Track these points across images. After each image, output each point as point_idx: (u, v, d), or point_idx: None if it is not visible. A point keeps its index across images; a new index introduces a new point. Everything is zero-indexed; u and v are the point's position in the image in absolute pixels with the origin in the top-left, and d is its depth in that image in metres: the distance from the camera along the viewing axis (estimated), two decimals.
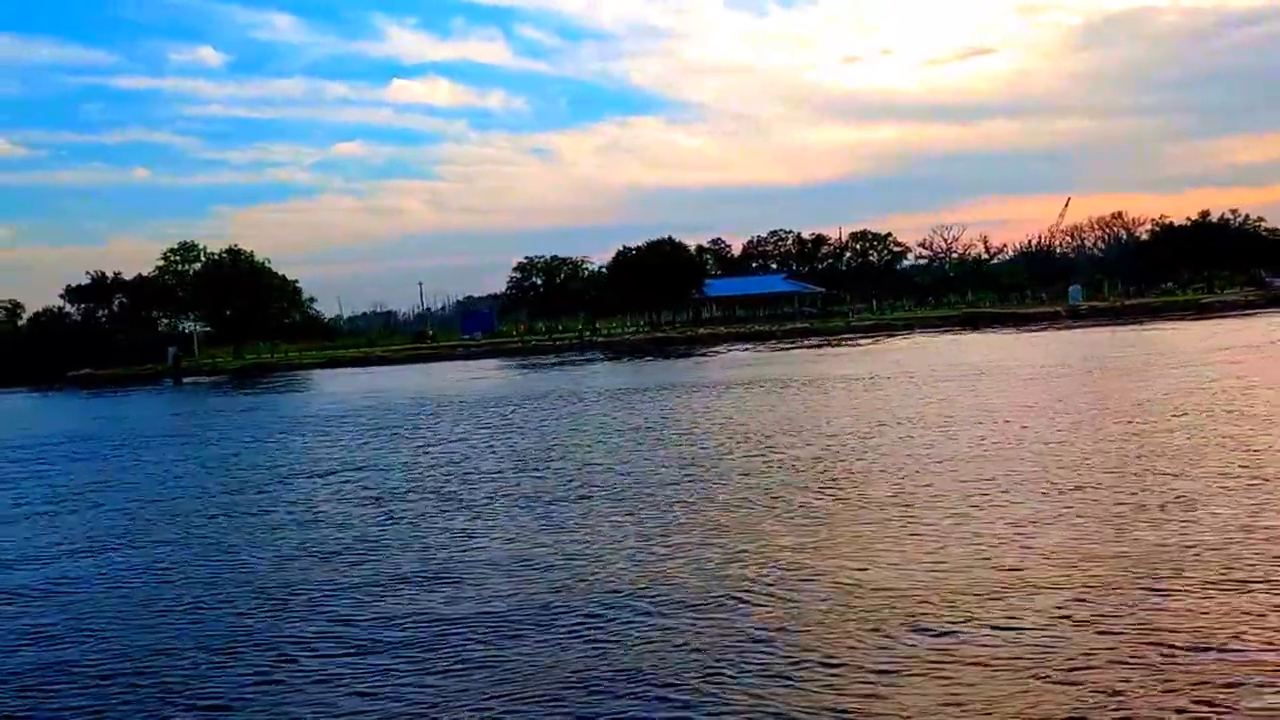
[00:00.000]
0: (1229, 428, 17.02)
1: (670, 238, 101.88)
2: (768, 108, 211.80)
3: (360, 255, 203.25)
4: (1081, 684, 6.78)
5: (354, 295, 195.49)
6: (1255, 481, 12.62)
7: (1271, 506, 11.24)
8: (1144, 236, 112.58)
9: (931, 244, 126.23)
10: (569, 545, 11.79)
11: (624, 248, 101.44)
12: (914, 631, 8.01)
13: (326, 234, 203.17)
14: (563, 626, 8.75)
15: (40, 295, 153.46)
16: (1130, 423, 18.44)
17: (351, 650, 8.54)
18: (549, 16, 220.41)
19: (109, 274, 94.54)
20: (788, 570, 10.04)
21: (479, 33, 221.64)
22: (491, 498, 15.43)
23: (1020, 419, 20.05)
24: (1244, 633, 7.48)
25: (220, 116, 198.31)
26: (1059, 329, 63.14)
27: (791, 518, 12.45)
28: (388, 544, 12.60)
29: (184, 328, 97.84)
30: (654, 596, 9.43)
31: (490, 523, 13.52)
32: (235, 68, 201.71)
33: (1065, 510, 11.78)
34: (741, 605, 8.99)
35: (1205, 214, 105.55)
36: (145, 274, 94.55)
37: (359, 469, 19.65)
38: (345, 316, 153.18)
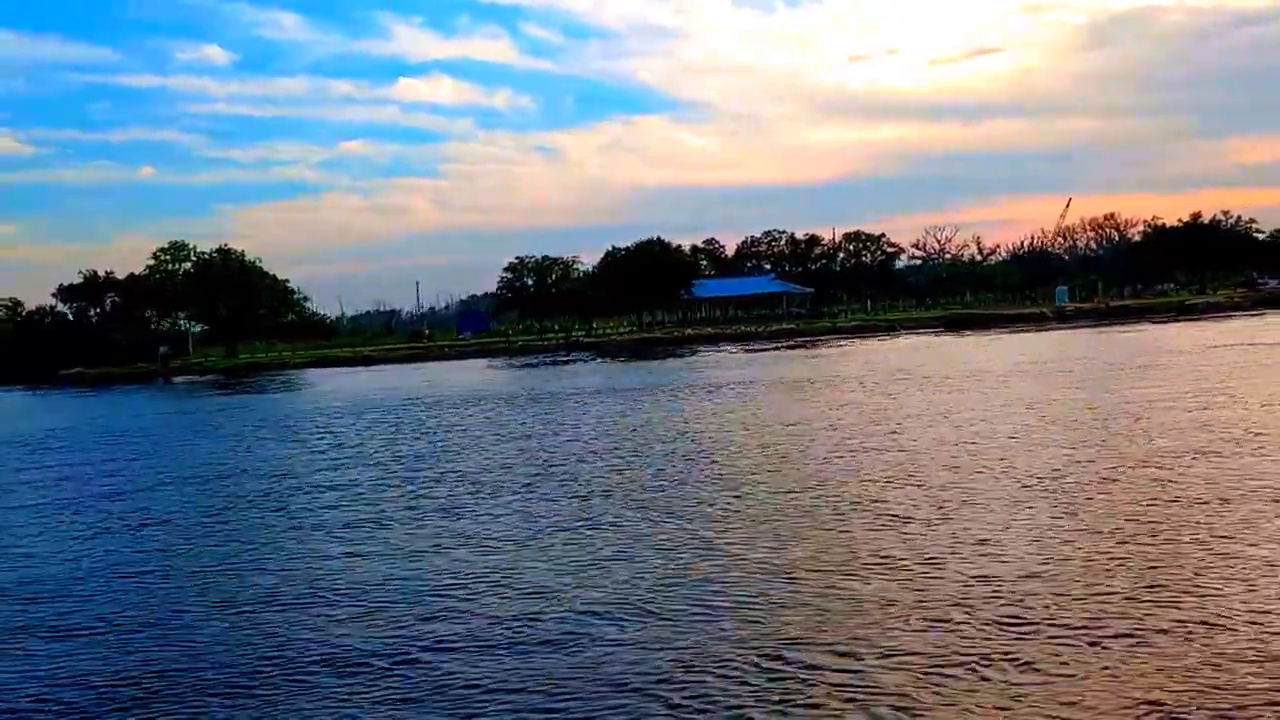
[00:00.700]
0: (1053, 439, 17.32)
1: (659, 238, 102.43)
2: (773, 107, 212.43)
3: (365, 254, 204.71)
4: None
5: (359, 294, 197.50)
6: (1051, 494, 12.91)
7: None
8: (1136, 237, 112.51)
9: (924, 245, 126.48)
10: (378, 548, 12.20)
11: (613, 248, 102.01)
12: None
13: (331, 232, 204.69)
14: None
15: (46, 293, 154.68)
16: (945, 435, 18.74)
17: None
18: (554, 15, 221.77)
19: (102, 273, 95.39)
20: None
21: (484, 31, 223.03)
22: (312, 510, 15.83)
23: (888, 426, 20.38)
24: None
25: (225, 115, 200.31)
26: (1030, 332, 63.34)
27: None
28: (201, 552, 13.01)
29: (180, 326, 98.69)
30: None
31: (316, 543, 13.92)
32: (241, 66, 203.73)
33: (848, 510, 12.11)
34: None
35: (1197, 215, 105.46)
36: (137, 273, 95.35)
37: (228, 475, 20.04)
38: (348, 316, 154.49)
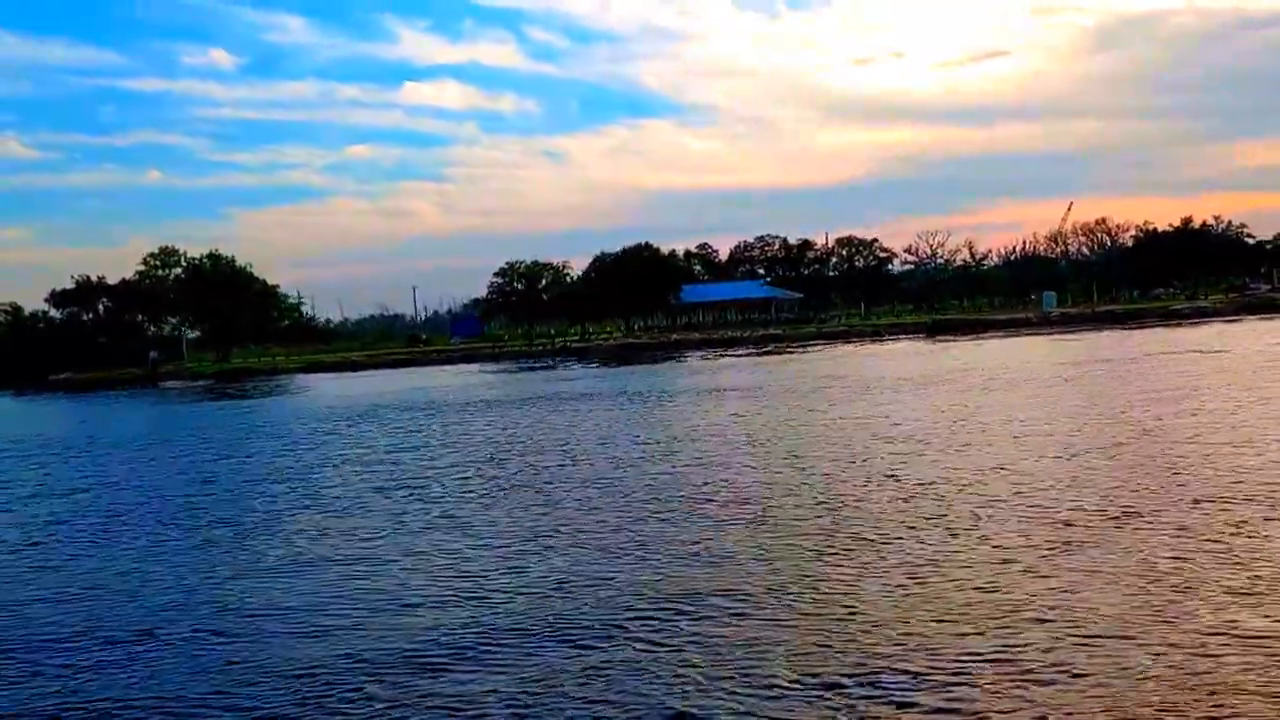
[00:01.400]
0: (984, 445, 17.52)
1: (648, 243, 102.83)
2: (778, 110, 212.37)
3: (370, 257, 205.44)
4: None
5: (364, 297, 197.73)
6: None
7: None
8: (1128, 243, 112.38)
9: (917, 250, 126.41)
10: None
11: (602, 253, 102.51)
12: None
13: (337, 236, 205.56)
14: None
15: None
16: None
17: None
18: (559, 18, 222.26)
19: (94, 278, 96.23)
20: None
21: (489, 35, 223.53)
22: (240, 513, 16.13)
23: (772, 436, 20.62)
24: None
25: (232, 119, 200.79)
26: (1005, 337, 63.42)
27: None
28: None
29: (173, 331, 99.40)
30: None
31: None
32: (247, 70, 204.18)
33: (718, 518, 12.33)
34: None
35: (1188, 220, 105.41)
36: (128, 278, 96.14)
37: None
38: (351, 320, 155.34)
